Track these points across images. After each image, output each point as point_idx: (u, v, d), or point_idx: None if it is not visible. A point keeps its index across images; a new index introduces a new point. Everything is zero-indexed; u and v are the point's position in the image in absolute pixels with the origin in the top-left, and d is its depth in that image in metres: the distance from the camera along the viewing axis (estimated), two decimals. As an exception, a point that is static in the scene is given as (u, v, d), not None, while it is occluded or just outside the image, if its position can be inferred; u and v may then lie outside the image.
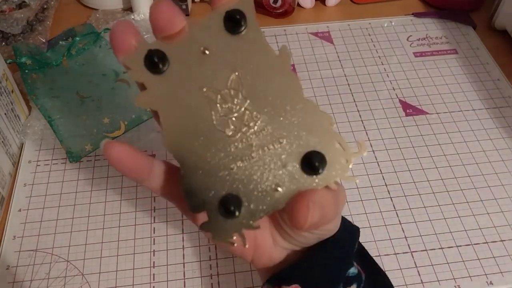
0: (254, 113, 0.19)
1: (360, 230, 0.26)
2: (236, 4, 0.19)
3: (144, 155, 0.20)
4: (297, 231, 0.21)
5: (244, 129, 0.19)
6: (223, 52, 0.19)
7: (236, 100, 0.19)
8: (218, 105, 0.19)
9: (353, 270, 0.24)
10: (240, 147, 0.19)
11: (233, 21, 0.19)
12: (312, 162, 0.19)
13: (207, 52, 0.19)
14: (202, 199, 0.19)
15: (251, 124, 0.19)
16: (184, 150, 0.19)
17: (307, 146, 0.19)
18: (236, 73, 0.19)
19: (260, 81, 0.19)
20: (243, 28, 0.19)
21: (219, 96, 0.19)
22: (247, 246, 0.19)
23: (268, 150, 0.19)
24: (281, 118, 0.19)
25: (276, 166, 0.19)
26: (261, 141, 0.19)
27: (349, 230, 0.25)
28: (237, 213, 0.19)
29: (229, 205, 0.18)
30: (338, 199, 0.20)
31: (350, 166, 0.19)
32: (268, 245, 0.23)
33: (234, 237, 0.19)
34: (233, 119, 0.19)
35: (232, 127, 0.19)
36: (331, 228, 0.22)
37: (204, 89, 0.19)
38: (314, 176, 0.19)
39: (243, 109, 0.19)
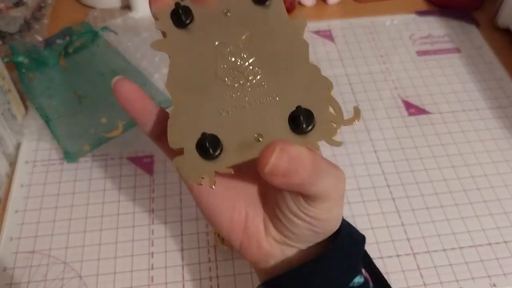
0: (256, 68, 0.20)
1: (362, 231, 0.25)
2: None
3: (150, 100, 0.21)
4: (271, 181, 0.18)
5: (242, 81, 0.20)
6: (243, 15, 0.21)
7: (243, 55, 0.21)
8: (225, 57, 0.21)
9: (358, 279, 0.23)
10: (234, 96, 0.20)
11: None
12: (298, 118, 0.18)
13: (229, 14, 0.21)
14: (183, 134, 0.19)
15: (251, 77, 0.20)
16: (181, 91, 0.20)
17: (299, 103, 0.19)
18: (249, 33, 0.21)
19: (270, 42, 0.21)
20: (268, 1, 0.21)
21: (228, 50, 0.21)
22: (213, 187, 0.19)
23: (260, 103, 0.20)
24: (281, 77, 0.20)
25: (264, 119, 0.19)
26: (256, 94, 0.20)
27: (354, 238, 0.24)
28: (211, 152, 0.19)
29: (206, 143, 0.18)
30: (318, 165, 0.19)
31: (338, 130, 0.19)
32: (258, 232, 0.22)
33: (203, 178, 0.19)
34: (236, 71, 0.20)
35: (232, 77, 0.20)
36: (326, 226, 0.21)
37: (216, 42, 0.21)
38: (299, 135, 0.19)
39: (247, 63, 0.20)
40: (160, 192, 0.38)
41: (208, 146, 0.18)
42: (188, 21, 0.21)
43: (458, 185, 0.39)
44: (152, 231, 0.36)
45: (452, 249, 0.35)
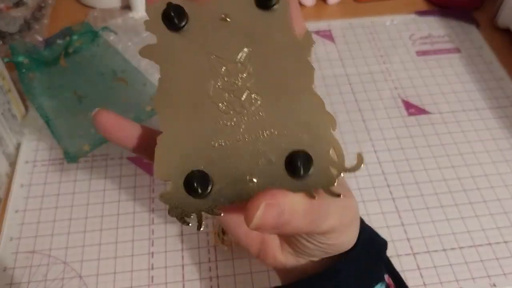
0: (254, 94, 0.18)
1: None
2: None
3: (130, 126, 0.20)
4: (263, 231, 0.18)
5: (238, 108, 0.18)
6: (243, 24, 0.19)
7: (240, 75, 0.18)
8: (220, 76, 0.18)
9: (379, 287, 0.23)
10: (228, 125, 0.18)
11: None
12: (295, 162, 0.17)
13: (228, 19, 0.19)
14: (171, 167, 0.18)
15: (247, 105, 0.18)
16: (170, 112, 0.18)
17: (298, 144, 0.17)
18: (249, 48, 0.18)
19: (272, 62, 0.18)
20: (273, 4, 0.18)
21: (224, 67, 0.18)
22: (201, 229, 0.17)
23: (255, 137, 0.18)
24: (281, 107, 0.18)
25: (258, 156, 0.18)
26: (252, 126, 0.18)
27: (374, 246, 0.23)
28: (199, 192, 0.17)
29: (194, 181, 0.17)
30: (317, 211, 0.18)
31: (337, 180, 0.17)
32: (274, 245, 0.23)
33: (191, 217, 0.17)
34: (231, 94, 0.18)
35: (227, 102, 0.18)
36: (338, 244, 0.21)
37: (212, 56, 0.18)
38: (295, 180, 0.17)
39: (245, 87, 0.18)
40: (160, 192, 0.38)
41: (197, 185, 0.17)
42: (182, 24, 0.19)
43: (458, 185, 0.39)
44: (152, 231, 0.36)
45: (452, 249, 0.35)
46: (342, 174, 0.17)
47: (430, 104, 0.45)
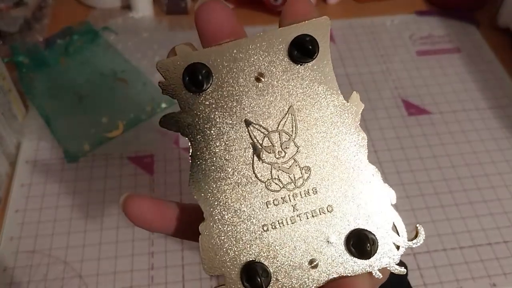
0: (305, 167, 0.16)
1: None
2: (310, 27, 0.16)
3: (167, 207, 0.17)
4: None
5: (289, 186, 0.16)
6: (281, 85, 0.16)
7: (286, 146, 0.16)
8: (263, 148, 0.16)
9: None
10: (281, 206, 0.16)
11: (303, 51, 0.16)
12: (363, 245, 0.16)
13: (262, 79, 0.16)
14: (222, 259, 0.16)
15: (299, 181, 0.16)
16: (211, 195, 0.16)
17: (358, 222, 0.16)
18: (292, 114, 0.16)
19: (319, 130, 0.16)
20: (312, 60, 0.16)
21: (266, 138, 0.16)
22: None
23: (312, 217, 0.16)
24: (335, 181, 0.16)
25: (318, 238, 0.16)
26: (307, 205, 0.16)
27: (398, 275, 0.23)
28: (263, 287, 0.16)
29: (255, 277, 0.15)
30: (376, 285, 0.17)
31: (400, 255, 0.16)
32: None
33: None
34: (279, 170, 0.16)
35: (276, 179, 0.16)
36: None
37: (250, 126, 0.16)
38: (359, 260, 0.16)
39: (292, 160, 0.16)
40: (160, 192, 0.38)
41: (260, 280, 0.15)
42: (208, 86, 0.16)
43: (458, 185, 0.39)
44: (152, 231, 0.36)
45: (452, 249, 0.35)
46: (404, 249, 0.16)
47: (431, 104, 0.45)
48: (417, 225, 0.16)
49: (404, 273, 0.16)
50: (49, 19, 0.51)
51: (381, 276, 0.16)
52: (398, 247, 0.16)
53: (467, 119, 0.44)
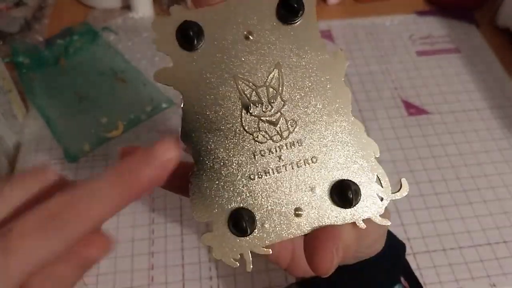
0: (290, 121, 0.17)
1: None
2: None
3: None
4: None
5: (275, 137, 0.17)
6: (269, 42, 0.17)
7: (273, 101, 0.17)
8: (251, 102, 0.17)
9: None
10: (267, 157, 0.17)
11: (289, 10, 0.17)
12: (345, 193, 0.16)
13: (251, 37, 0.17)
14: (211, 206, 0.17)
15: (285, 133, 0.17)
16: (202, 146, 0.17)
17: (342, 173, 0.17)
18: (279, 70, 0.17)
19: (305, 85, 0.17)
20: (298, 19, 0.17)
21: (254, 93, 0.17)
22: (249, 269, 0.16)
23: (297, 168, 0.17)
24: (320, 134, 0.17)
25: (302, 188, 0.17)
26: (292, 155, 0.17)
27: (392, 249, 0.23)
28: (247, 231, 0.16)
29: (240, 221, 0.16)
30: (365, 236, 0.18)
31: (384, 207, 0.17)
32: (304, 262, 0.22)
33: (238, 257, 0.17)
34: (265, 123, 0.17)
35: (262, 132, 0.17)
36: (370, 252, 0.21)
37: (240, 82, 0.17)
38: (343, 209, 0.17)
39: (279, 113, 0.17)
40: (160, 192, 0.38)
41: (245, 224, 0.16)
42: (200, 44, 0.17)
43: (458, 185, 0.39)
44: (152, 230, 0.36)
45: (452, 249, 0.35)
46: (388, 201, 0.17)
47: (430, 104, 0.45)
48: (401, 178, 0.17)
49: (388, 224, 0.17)
50: (49, 19, 0.51)
51: (365, 227, 0.17)
52: (382, 199, 0.17)
53: (467, 119, 0.44)
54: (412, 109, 0.44)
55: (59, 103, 0.41)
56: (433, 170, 0.40)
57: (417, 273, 0.34)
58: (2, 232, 0.13)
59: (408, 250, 0.35)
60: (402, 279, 0.24)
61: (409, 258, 0.34)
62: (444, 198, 0.38)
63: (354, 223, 0.17)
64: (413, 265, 0.34)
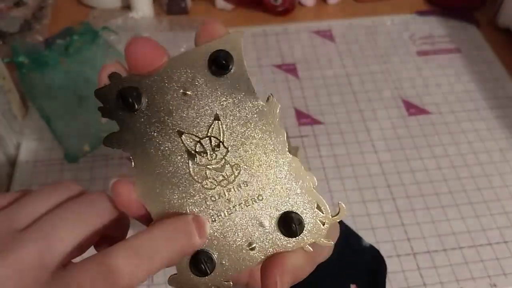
0: (235, 165, 0.19)
1: (363, 231, 0.25)
2: (224, 43, 0.18)
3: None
4: None
5: (223, 182, 0.19)
6: (205, 96, 0.18)
7: (216, 149, 0.19)
8: (197, 153, 0.18)
9: None
10: (217, 201, 0.19)
11: (219, 66, 0.18)
12: (289, 225, 0.18)
13: (188, 93, 0.18)
14: None
15: (231, 177, 0.19)
16: (155, 198, 0.18)
17: (286, 206, 0.19)
18: (218, 120, 0.19)
19: (243, 131, 0.19)
20: (229, 72, 0.18)
21: (198, 144, 0.18)
22: None
23: (246, 207, 0.19)
24: (262, 174, 0.19)
25: (252, 224, 0.19)
26: (240, 196, 0.19)
27: (343, 253, 0.24)
28: (208, 272, 0.18)
29: (200, 263, 0.18)
30: (314, 258, 0.20)
31: (326, 230, 0.19)
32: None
33: None
34: (212, 170, 0.18)
35: (210, 179, 0.18)
36: (324, 258, 0.22)
37: (183, 136, 0.18)
38: (290, 238, 0.19)
39: (223, 160, 0.19)
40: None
41: (204, 267, 0.18)
42: (141, 105, 0.18)
43: (459, 185, 0.39)
44: (152, 231, 0.36)
45: (452, 249, 0.35)
46: (329, 225, 0.19)
47: (431, 104, 0.45)
48: (339, 202, 0.19)
49: (331, 245, 0.19)
50: (49, 19, 0.51)
51: (312, 250, 0.19)
52: (323, 223, 0.19)
53: (467, 119, 0.44)
54: (413, 109, 0.44)
55: (59, 104, 0.41)
56: (434, 170, 0.40)
57: (417, 273, 0.34)
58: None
59: (408, 250, 0.35)
60: (353, 286, 0.24)
61: (409, 258, 0.34)
62: (444, 198, 0.38)
63: (302, 248, 0.19)
64: (413, 265, 0.34)
